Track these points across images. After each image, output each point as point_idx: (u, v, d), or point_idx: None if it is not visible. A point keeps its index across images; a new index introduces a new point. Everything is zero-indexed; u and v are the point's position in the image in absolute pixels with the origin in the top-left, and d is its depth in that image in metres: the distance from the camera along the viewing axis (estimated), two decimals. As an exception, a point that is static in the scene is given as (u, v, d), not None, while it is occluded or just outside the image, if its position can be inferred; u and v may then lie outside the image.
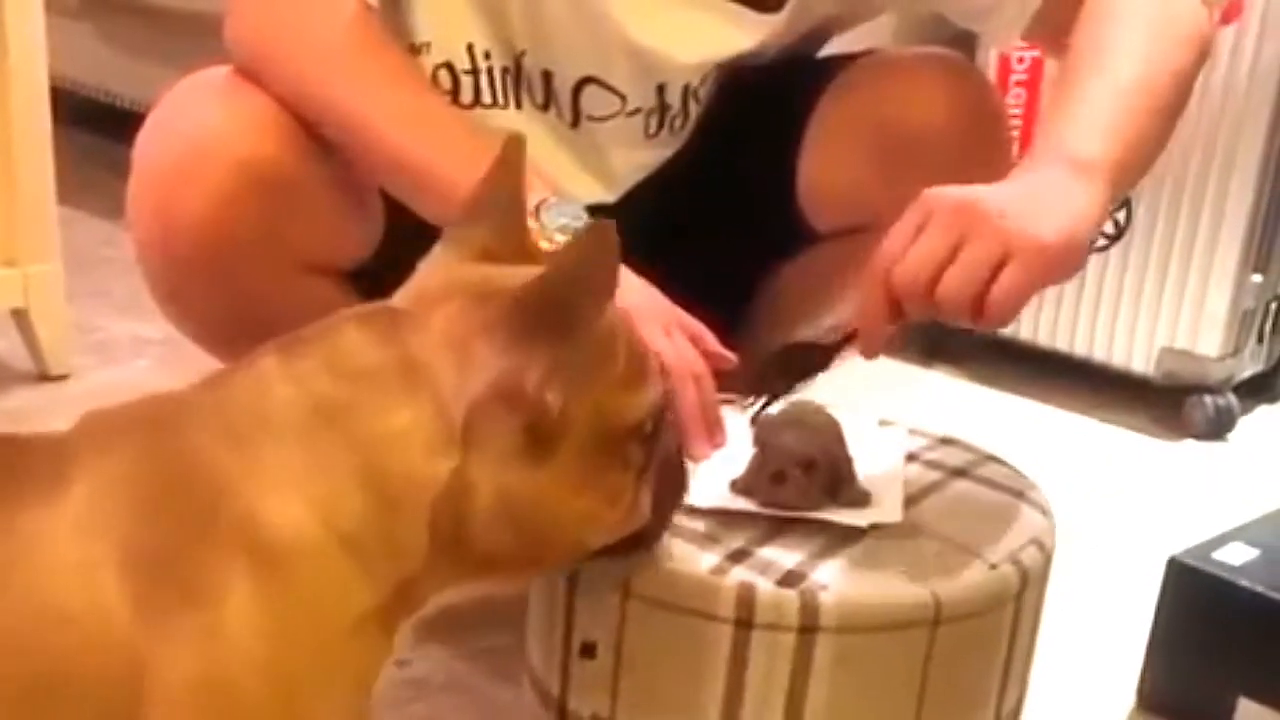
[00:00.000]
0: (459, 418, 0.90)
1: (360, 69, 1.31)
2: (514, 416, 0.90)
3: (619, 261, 0.89)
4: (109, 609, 0.85)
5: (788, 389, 1.18)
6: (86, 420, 0.94)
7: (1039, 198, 1.09)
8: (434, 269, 1.01)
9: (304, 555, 0.88)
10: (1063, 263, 1.08)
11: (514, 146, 1.04)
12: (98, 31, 3.16)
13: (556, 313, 0.89)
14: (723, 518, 1.12)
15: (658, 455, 1.01)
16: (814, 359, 1.16)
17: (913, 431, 1.29)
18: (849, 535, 1.10)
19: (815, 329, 1.67)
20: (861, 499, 1.14)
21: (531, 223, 1.14)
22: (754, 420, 1.21)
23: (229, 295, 1.39)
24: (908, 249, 1.08)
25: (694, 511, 1.12)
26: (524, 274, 0.94)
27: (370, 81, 1.31)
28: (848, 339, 1.14)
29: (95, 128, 2.97)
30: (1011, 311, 1.06)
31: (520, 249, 1.03)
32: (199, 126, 1.34)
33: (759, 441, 1.14)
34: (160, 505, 0.88)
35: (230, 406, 0.92)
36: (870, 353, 1.11)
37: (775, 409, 1.22)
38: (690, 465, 1.11)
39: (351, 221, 1.44)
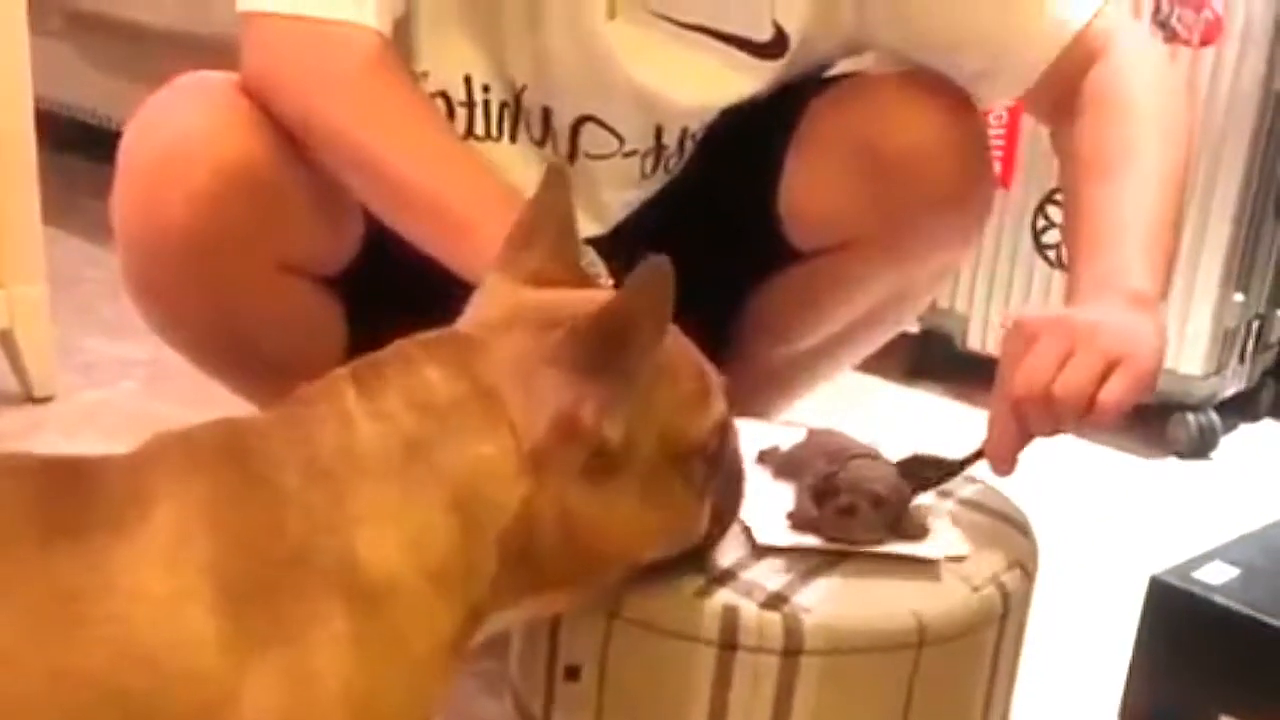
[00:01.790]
0: (528, 446, 0.92)
1: (375, 105, 1.31)
2: (577, 446, 0.92)
3: (672, 295, 0.91)
4: (198, 643, 0.85)
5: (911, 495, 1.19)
6: (155, 447, 0.93)
7: (1120, 324, 1.17)
8: (493, 295, 1.03)
9: (397, 593, 0.89)
10: (1153, 379, 1.16)
11: (556, 175, 1.06)
12: (81, 53, 3.16)
13: (612, 347, 0.91)
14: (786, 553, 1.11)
15: (720, 469, 1.03)
16: (940, 472, 1.18)
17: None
18: (831, 559, 1.10)
19: (798, 346, 1.68)
20: (920, 531, 1.14)
21: None
22: (761, 458, 1.21)
23: (209, 296, 1.40)
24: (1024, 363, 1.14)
25: (761, 549, 1.11)
26: (581, 300, 0.96)
27: (385, 118, 1.31)
28: (975, 457, 1.18)
29: (79, 149, 2.97)
30: (1116, 415, 1.14)
31: (574, 272, 1.06)
32: (182, 128, 1.35)
33: (822, 472, 1.14)
34: (250, 541, 0.88)
35: (315, 443, 0.92)
36: (1003, 472, 1.17)
37: (795, 438, 1.23)
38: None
39: (332, 225, 1.44)
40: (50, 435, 2.10)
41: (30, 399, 2.22)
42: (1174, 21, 2.26)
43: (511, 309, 0.99)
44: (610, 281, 1.20)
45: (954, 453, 1.24)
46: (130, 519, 0.87)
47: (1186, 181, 1.34)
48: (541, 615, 1.07)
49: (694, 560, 1.07)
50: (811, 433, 1.24)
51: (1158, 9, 2.26)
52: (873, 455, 1.17)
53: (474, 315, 1.02)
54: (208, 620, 0.85)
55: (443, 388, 0.93)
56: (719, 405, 1.01)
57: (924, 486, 1.17)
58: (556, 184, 1.06)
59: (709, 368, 1.02)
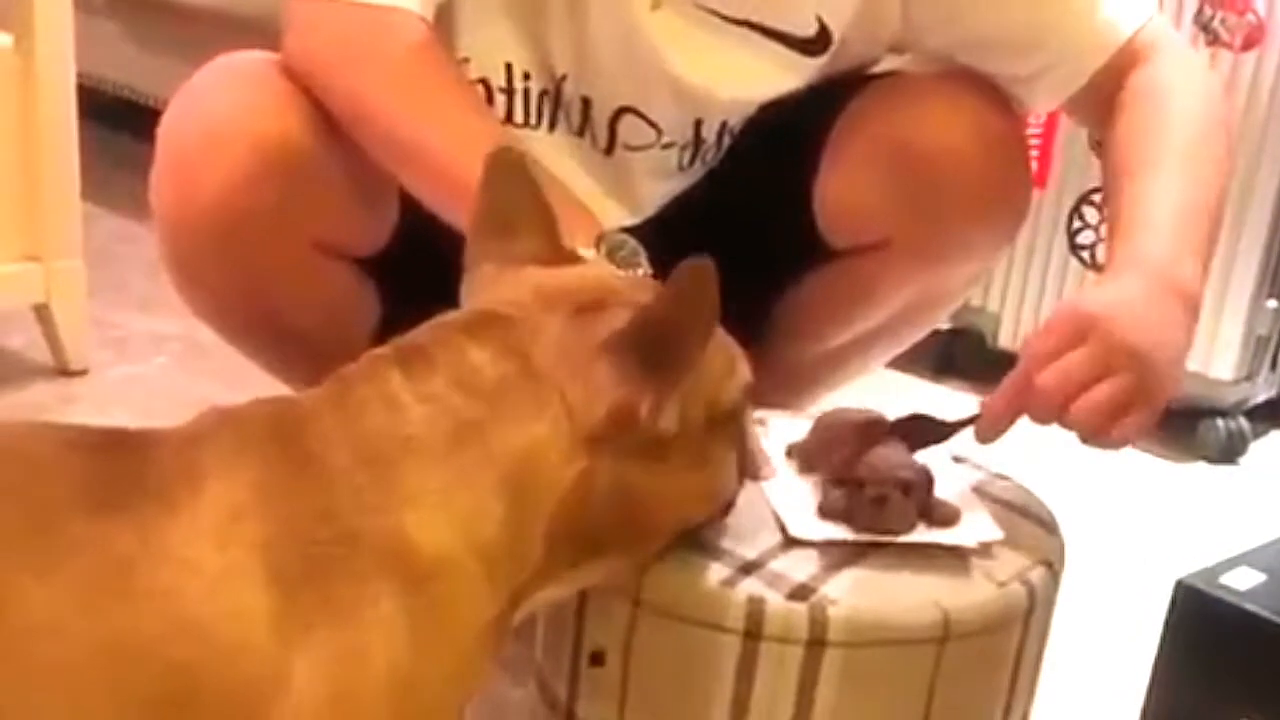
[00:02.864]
0: (583, 429, 0.93)
1: (417, 87, 1.31)
2: (633, 434, 0.94)
3: (717, 297, 0.92)
4: (249, 619, 0.85)
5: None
6: (205, 423, 0.94)
7: (1165, 333, 1.19)
8: (507, 274, 1.03)
9: (447, 573, 0.90)
10: (1165, 402, 1.18)
11: (505, 159, 1.06)
12: (125, 30, 3.17)
13: (662, 348, 0.93)
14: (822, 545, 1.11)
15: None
16: (934, 433, 1.19)
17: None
18: (858, 550, 1.11)
19: (830, 343, 1.68)
20: (952, 516, 1.14)
21: (588, 251, 1.16)
22: (789, 452, 1.21)
23: (244, 274, 1.41)
24: (1057, 356, 1.14)
25: (798, 543, 1.11)
26: (609, 282, 1.00)
27: (426, 101, 1.31)
28: (970, 421, 1.18)
29: (117, 124, 2.98)
30: (1124, 446, 1.17)
31: (561, 250, 1.07)
32: (221, 107, 1.36)
33: (838, 461, 1.14)
34: (301, 519, 0.88)
35: (363, 425, 0.93)
36: (986, 439, 1.17)
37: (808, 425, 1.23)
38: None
39: (367, 207, 1.45)
40: (83, 409, 2.12)
41: (64, 372, 2.24)
42: (1216, 25, 2.25)
43: (536, 289, 1.00)
44: (648, 270, 1.21)
45: (980, 453, 1.25)
46: (182, 494, 0.88)
47: (1226, 180, 1.34)
48: (581, 588, 1.08)
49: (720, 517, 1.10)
50: (820, 418, 1.23)
51: (1200, 12, 2.25)
52: (874, 421, 1.17)
53: (498, 295, 1.02)
54: (258, 597, 0.86)
55: (489, 369, 0.94)
56: (745, 367, 1.04)
57: (921, 446, 1.17)
58: (508, 166, 1.06)
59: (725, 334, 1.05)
